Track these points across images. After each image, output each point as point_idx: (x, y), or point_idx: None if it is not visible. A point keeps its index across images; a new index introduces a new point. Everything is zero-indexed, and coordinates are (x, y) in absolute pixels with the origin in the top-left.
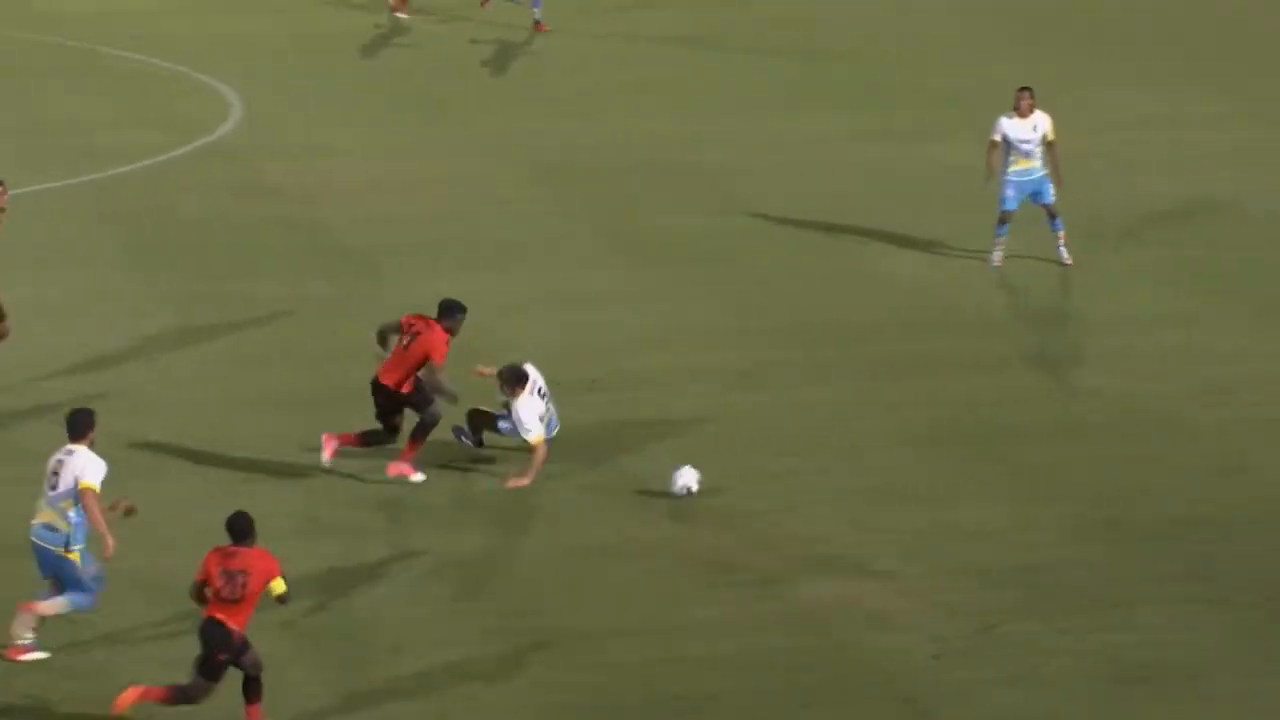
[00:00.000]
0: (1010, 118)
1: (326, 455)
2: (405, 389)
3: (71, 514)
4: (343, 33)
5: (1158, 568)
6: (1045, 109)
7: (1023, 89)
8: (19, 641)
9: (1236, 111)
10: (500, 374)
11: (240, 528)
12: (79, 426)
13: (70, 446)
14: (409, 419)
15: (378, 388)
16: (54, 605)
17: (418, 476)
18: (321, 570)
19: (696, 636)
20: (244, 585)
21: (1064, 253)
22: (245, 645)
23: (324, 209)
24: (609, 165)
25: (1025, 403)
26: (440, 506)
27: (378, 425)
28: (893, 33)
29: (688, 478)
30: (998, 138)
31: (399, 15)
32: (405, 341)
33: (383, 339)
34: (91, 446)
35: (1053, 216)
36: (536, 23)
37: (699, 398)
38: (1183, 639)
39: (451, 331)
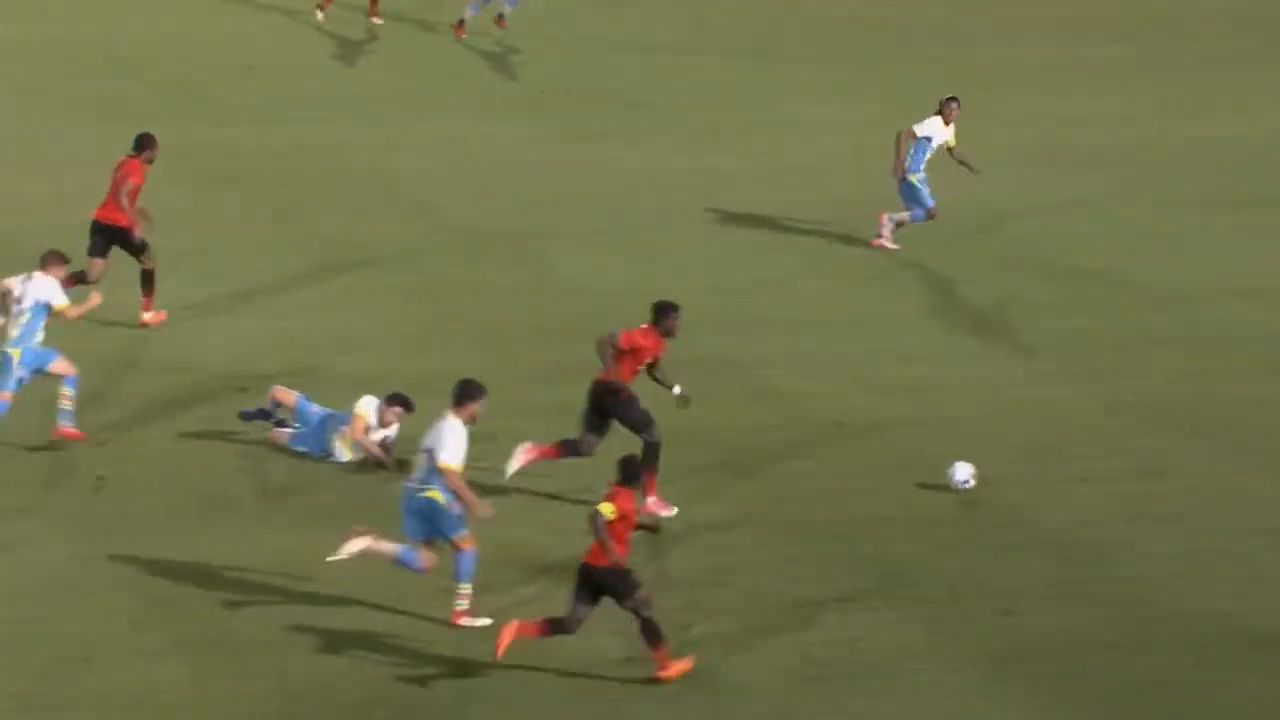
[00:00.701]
0: (936, 121)
1: (517, 464)
2: (624, 395)
3: (426, 468)
4: (16, 37)
5: (844, 566)
6: (732, 115)
7: (952, 99)
8: (457, 606)
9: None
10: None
11: (625, 470)
12: (462, 396)
13: (445, 413)
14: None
15: (599, 386)
16: (392, 549)
17: (669, 511)
18: (7, 579)
19: (386, 646)
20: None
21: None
22: (618, 588)
23: (7, 217)
24: (298, 171)
25: (711, 405)
26: (136, 515)
27: (576, 436)
28: (583, 38)
29: (965, 472)
30: (921, 133)
31: (374, 20)
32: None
33: (601, 353)
34: (471, 420)
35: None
36: (499, 16)
37: None
38: (870, 636)
39: (668, 332)
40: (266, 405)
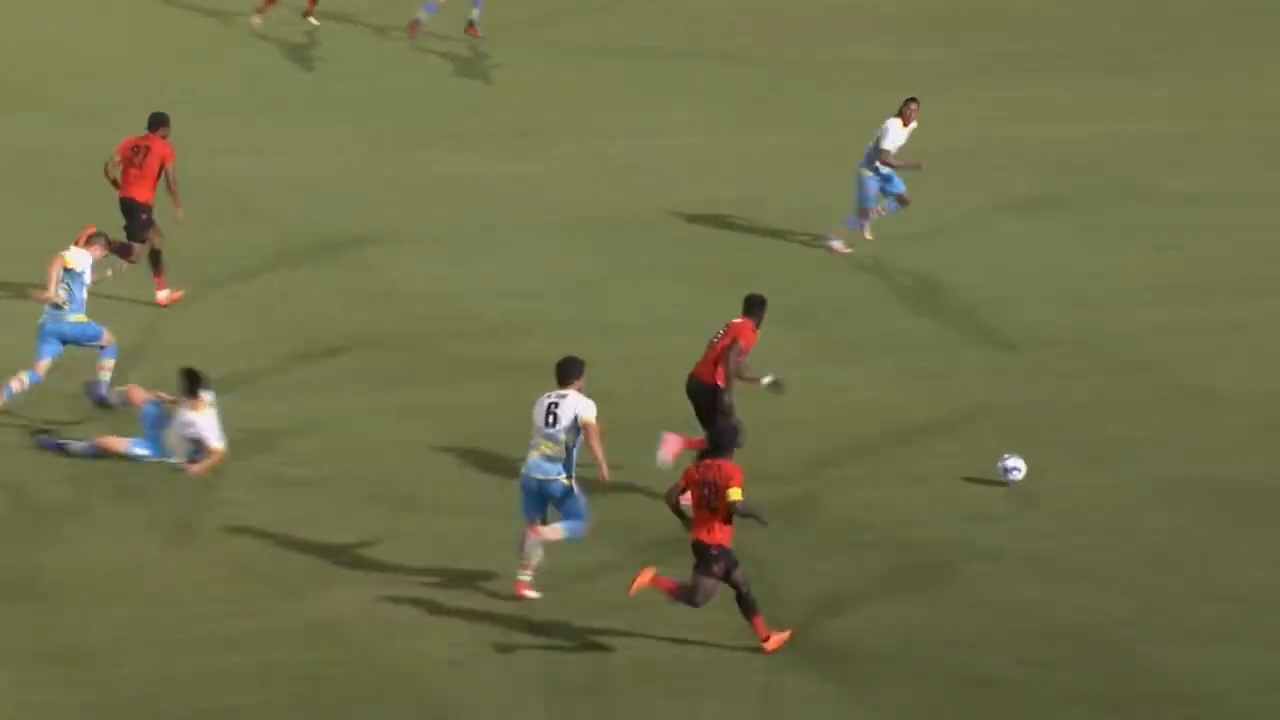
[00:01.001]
0: (895, 124)
1: (668, 454)
2: (722, 397)
3: (568, 445)
4: None
5: (673, 568)
6: (556, 118)
7: (912, 99)
8: (523, 576)
9: (757, 117)
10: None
11: (719, 441)
12: (569, 373)
13: (562, 391)
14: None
15: (693, 383)
16: (554, 531)
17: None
18: None
19: (214, 650)
20: (713, 495)
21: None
22: (730, 561)
23: None
24: None
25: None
26: None
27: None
28: (418, 41)
29: (1017, 471)
30: (889, 145)
31: (310, 19)
32: (717, 341)
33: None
34: (581, 390)
35: (904, 203)
36: (470, 24)
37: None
38: (699, 637)
39: (758, 323)
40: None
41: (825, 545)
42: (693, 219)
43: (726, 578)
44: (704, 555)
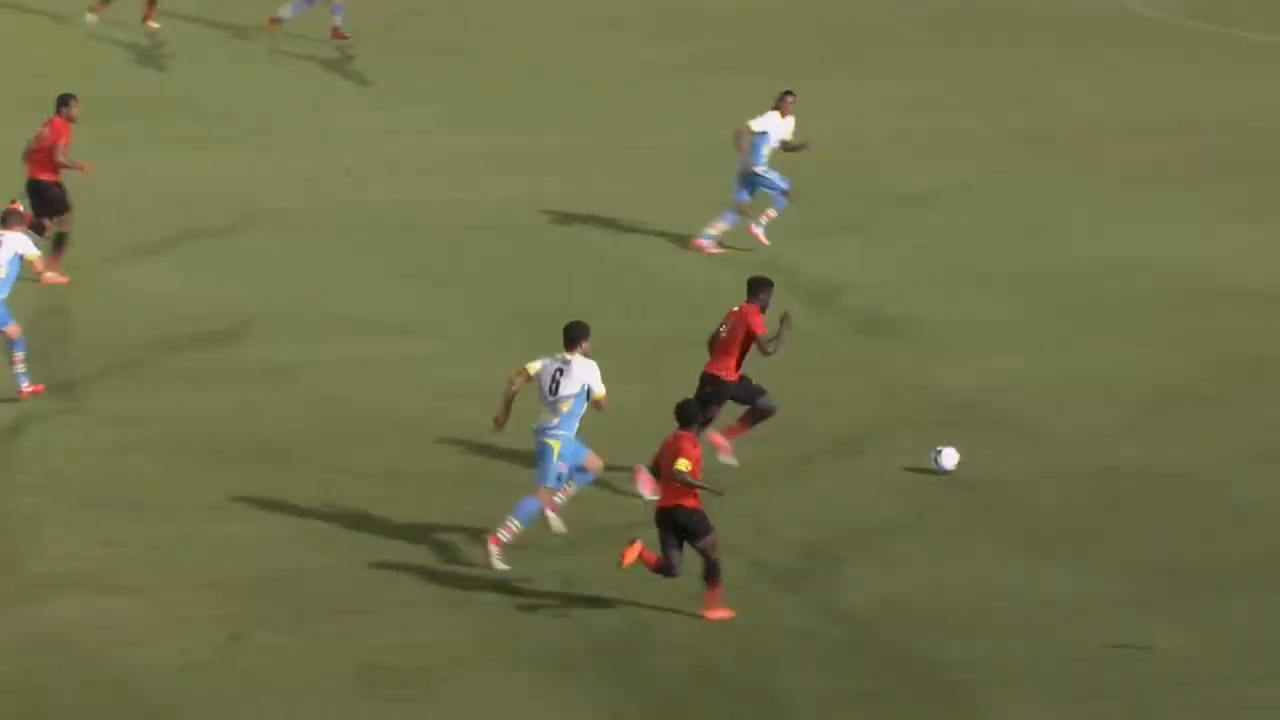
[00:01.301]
0: (773, 116)
1: (646, 489)
2: (732, 378)
3: (565, 411)
4: None
5: (400, 571)
6: (286, 120)
7: (788, 92)
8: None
9: (453, 120)
10: None
11: (682, 413)
12: (573, 337)
13: (566, 356)
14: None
15: (706, 378)
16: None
17: (731, 459)
18: None
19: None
20: (670, 465)
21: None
22: (696, 528)
23: None
24: None
25: (265, 412)
26: None
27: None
28: (154, 43)
29: (952, 460)
30: (758, 128)
31: (150, 24)
32: (723, 331)
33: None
34: (586, 355)
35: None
36: (335, 29)
37: None
38: (430, 640)
39: (763, 306)
40: None
41: (551, 544)
42: (424, 219)
43: (691, 544)
44: (673, 522)
